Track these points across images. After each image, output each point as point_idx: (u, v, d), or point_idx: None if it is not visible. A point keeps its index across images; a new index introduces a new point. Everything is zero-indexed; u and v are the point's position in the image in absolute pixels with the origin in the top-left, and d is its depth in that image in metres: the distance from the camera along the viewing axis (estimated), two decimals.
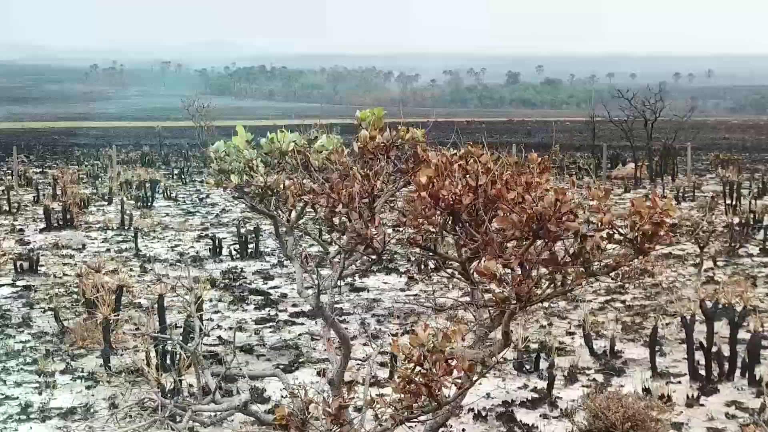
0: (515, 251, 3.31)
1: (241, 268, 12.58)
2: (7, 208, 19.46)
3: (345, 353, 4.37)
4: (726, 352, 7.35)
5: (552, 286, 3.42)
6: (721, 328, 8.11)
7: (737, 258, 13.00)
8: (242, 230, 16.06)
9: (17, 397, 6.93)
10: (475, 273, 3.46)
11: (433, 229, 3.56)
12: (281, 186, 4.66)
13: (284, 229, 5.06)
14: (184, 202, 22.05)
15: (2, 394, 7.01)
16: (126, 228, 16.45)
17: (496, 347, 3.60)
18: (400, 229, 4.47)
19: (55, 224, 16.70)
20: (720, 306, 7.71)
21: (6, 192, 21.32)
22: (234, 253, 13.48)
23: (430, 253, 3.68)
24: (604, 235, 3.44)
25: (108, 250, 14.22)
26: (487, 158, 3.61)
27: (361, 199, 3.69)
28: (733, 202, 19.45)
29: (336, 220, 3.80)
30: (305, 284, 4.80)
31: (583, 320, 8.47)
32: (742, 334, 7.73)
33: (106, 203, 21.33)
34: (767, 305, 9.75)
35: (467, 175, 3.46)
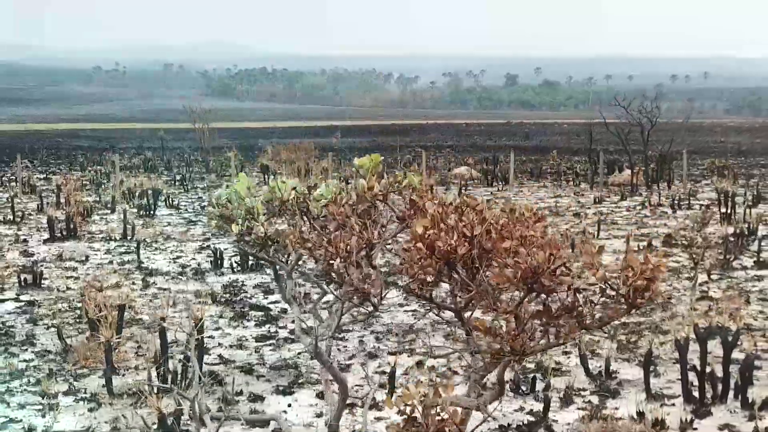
0: (509, 304, 3.35)
1: (242, 282, 12.61)
2: (12, 217, 19.50)
3: (342, 397, 4.41)
4: (719, 372, 7.39)
5: (546, 338, 3.46)
6: (715, 347, 8.13)
7: (731, 271, 13.03)
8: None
9: (21, 420, 6.96)
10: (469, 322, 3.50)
11: (429, 279, 3.60)
12: (281, 237, 4.70)
13: (283, 273, 5.11)
14: (186, 210, 22.09)
15: (6, 417, 7.05)
16: (128, 238, 16.49)
17: (490, 396, 3.63)
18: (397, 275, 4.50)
19: (59, 234, 16.73)
20: (713, 328, 7.73)
21: (10, 201, 21.33)
22: (235, 265, 13.51)
23: (426, 302, 3.71)
24: (597, 290, 3.47)
25: (111, 262, 14.25)
26: (483, 206, 3.64)
27: (359, 252, 3.73)
28: (728, 211, 19.49)
29: (333, 274, 3.84)
30: (305, 321, 4.83)
31: (578, 340, 8.50)
32: (736, 353, 7.75)
33: (109, 212, 21.37)
34: (761, 323, 9.77)
35: (463, 226, 3.49)
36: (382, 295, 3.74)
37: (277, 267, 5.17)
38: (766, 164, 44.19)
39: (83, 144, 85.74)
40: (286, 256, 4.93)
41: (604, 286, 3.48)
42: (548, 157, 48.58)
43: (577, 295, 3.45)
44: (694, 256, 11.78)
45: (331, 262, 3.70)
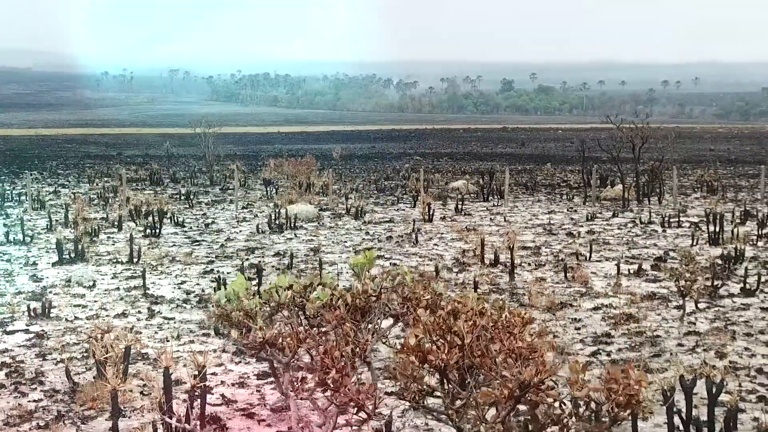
0: (498, 415, 3.38)
1: None
2: (22, 237, 19.51)
3: None
4: (705, 416, 7.42)
5: None
6: (701, 388, 8.15)
7: (719, 299, 13.06)
8: (246, 263, 16.16)
9: None
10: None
11: (421, 388, 3.64)
12: (279, 340, 4.73)
13: (280, 366, 5.15)
14: (191, 228, 22.10)
15: None
16: (135, 262, 16.52)
17: None
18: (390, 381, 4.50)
19: (67, 257, 16.75)
20: (699, 378, 7.76)
21: (20, 221, 21.35)
22: None
23: (419, 408, 3.75)
24: (582, 404, 3.50)
25: (117, 288, 14.26)
26: (474, 309, 3.67)
27: (352, 362, 3.77)
28: (716, 231, 19.44)
29: (329, 382, 3.87)
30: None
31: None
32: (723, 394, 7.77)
33: (116, 230, 21.39)
34: (746, 361, 9.78)
35: (454, 333, 3.53)
36: (377, 405, 3.78)
37: (274, 362, 5.19)
38: (754, 174, 44.21)
39: (92, 151, 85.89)
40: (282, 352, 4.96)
41: (588, 400, 3.50)
42: (543, 167, 48.66)
43: (563, 406, 3.48)
44: (681, 289, 11.80)
45: (326, 373, 3.74)
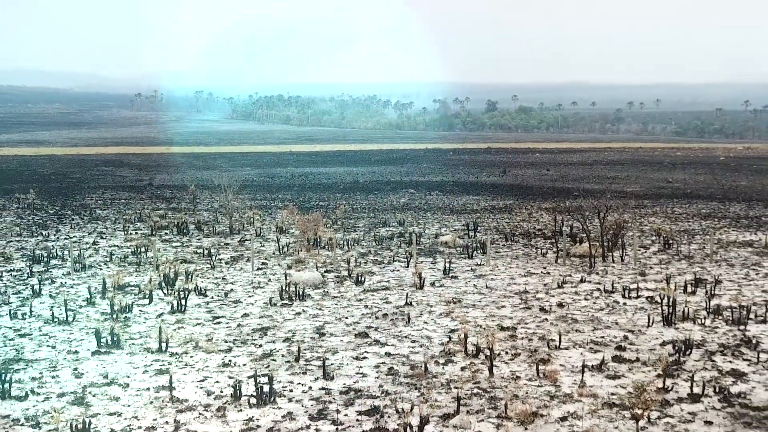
0: None
1: (258, 422, 12.73)
2: (65, 316, 19.57)
3: None
4: None
5: None
6: None
7: (670, 407, 13.21)
8: (259, 350, 16.29)
9: None
10: None
11: None
12: None
13: None
14: (212, 298, 22.23)
15: None
16: (163, 350, 16.64)
17: None
18: None
19: (104, 343, 16.87)
20: None
21: (62, 289, 21.44)
22: (252, 400, 13.61)
23: None
24: None
25: (148, 388, 14.36)
26: None
27: None
28: (669, 310, 19.41)
29: None
30: None
31: None
32: None
33: (147, 301, 21.52)
34: None
35: None
36: None
37: None
38: (708, 213, 44.42)
39: (126, 175, 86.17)
40: None
41: None
42: (522, 205, 48.85)
43: None
44: (635, 416, 11.96)
45: None
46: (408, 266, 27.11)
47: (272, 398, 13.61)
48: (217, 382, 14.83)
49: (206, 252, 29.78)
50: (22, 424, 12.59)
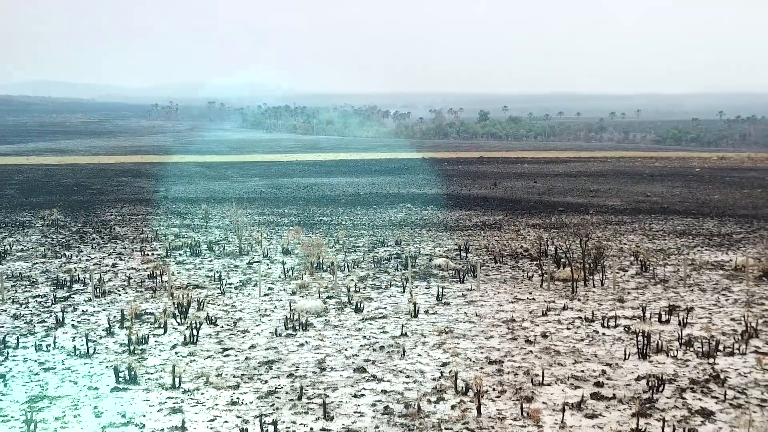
0: None
1: None
2: (86, 348, 19.68)
3: None
4: None
5: None
6: None
7: None
8: (264, 386, 16.36)
9: None
10: None
11: None
12: None
13: None
14: (222, 327, 22.31)
15: None
16: (176, 386, 16.73)
17: None
18: None
19: (122, 378, 16.98)
20: None
21: (84, 316, 21.52)
22: None
23: None
24: None
25: (162, 430, 14.47)
26: None
27: None
28: (644, 345, 19.43)
29: None
30: None
31: None
32: None
33: (162, 331, 21.62)
34: None
35: None
36: None
37: None
38: (683, 230, 44.45)
39: (144, 186, 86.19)
40: None
41: None
42: (510, 221, 48.92)
43: None
44: None
45: None
46: (404, 291, 27.22)
47: None
48: (226, 422, 14.93)
49: (217, 275, 29.87)
50: None
